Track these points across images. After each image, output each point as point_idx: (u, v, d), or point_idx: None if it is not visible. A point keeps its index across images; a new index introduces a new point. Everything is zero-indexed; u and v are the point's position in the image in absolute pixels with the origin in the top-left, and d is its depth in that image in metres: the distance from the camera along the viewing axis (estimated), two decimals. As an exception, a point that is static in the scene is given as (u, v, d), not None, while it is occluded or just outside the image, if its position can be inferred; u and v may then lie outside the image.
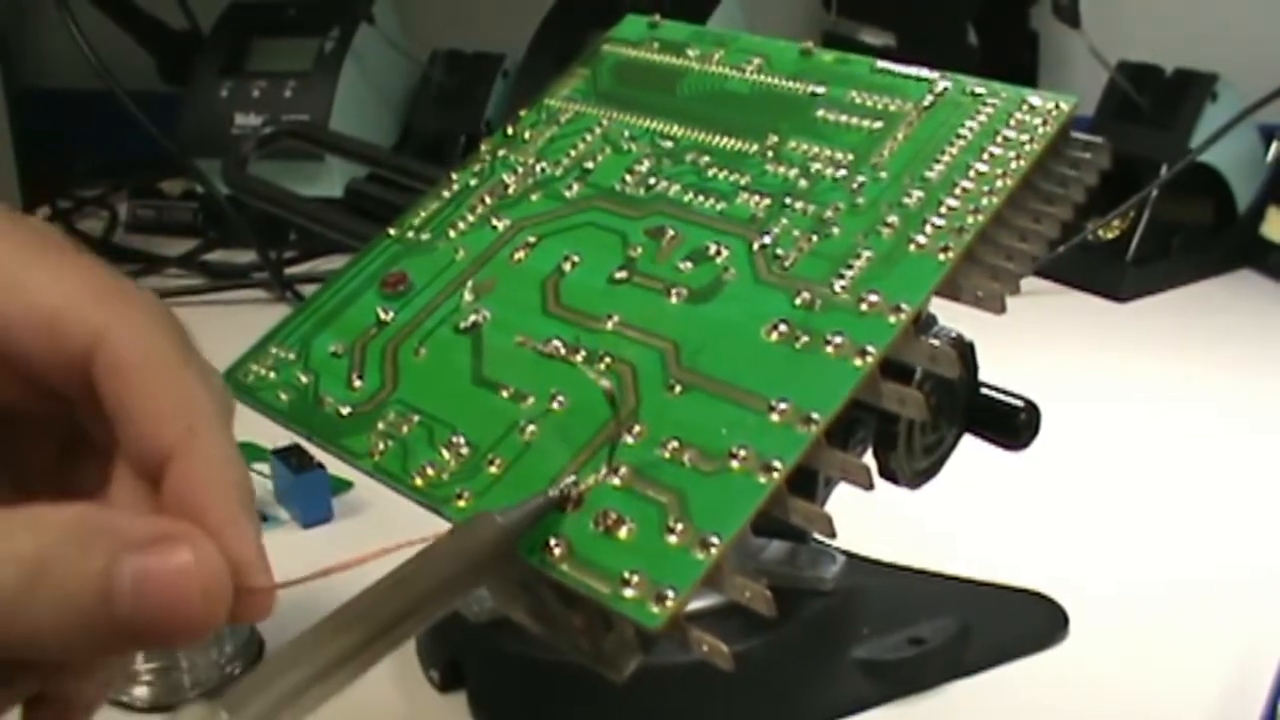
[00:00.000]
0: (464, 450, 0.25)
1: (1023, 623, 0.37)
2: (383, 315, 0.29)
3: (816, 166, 0.29)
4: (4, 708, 0.21)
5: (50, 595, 0.18)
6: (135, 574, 0.18)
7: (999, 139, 0.28)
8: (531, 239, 0.30)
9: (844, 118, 0.30)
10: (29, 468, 0.23)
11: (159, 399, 0.21)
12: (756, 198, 0.29)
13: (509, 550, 0.22)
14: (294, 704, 0.18)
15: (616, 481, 0.23)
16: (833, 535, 0.23)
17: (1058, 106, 0.29)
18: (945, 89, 0.30)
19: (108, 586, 0.18)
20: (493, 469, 0.25)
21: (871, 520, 0.32)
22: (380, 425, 0.27)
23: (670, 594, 0.21)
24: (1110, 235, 0.69)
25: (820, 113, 0.31)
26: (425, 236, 0.31)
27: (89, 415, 0.22)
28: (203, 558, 0.19)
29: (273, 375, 0.29)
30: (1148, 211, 0.68)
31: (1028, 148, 0.28)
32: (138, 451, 0.21)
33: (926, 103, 0.30)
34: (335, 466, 0.41)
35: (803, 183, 0.29)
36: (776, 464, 0.23)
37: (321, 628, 0.19)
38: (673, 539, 0.22)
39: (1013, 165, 0.27)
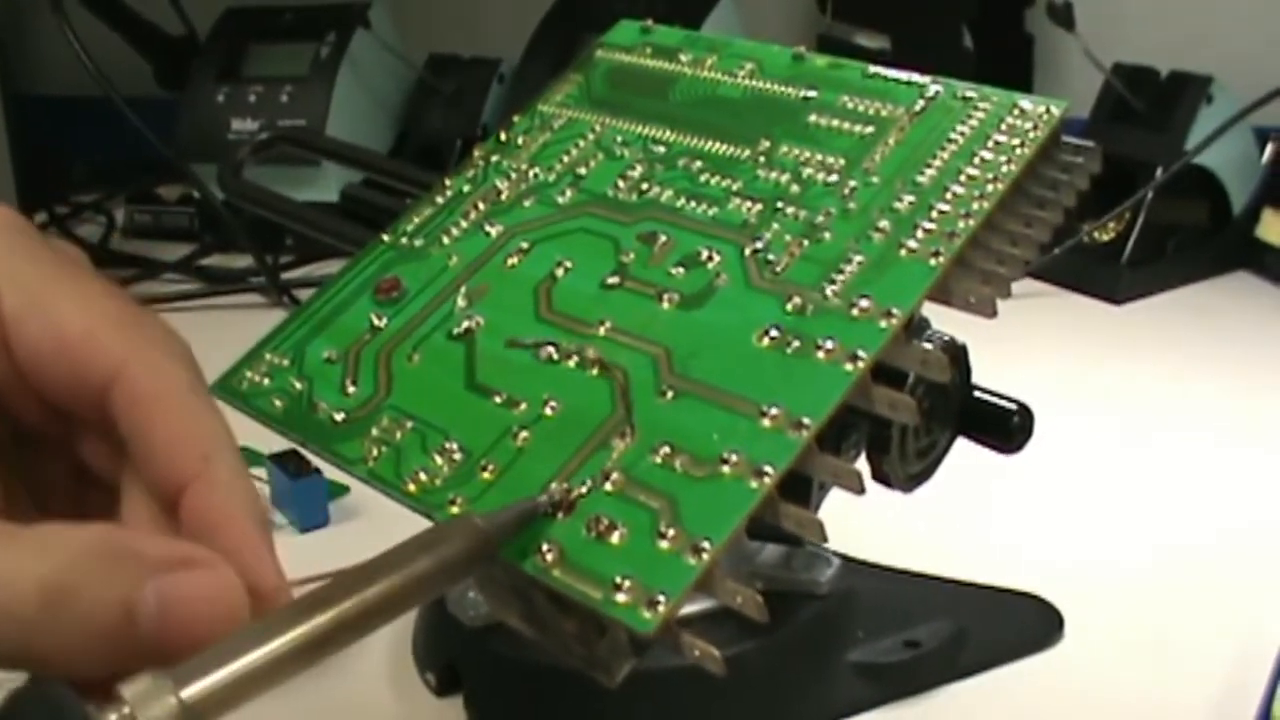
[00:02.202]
0: (457, 456, 0.25)
1: (1018, 625, 0.37)
2: (376, 321, 0.29)
3: (808, 171, 0.29)
4: None
5: (73, 615, 0.18)
6: (159, 595, 0.19)
7: (990, 143, 0.28)
8: (524, 245, 0.30)
9: (836, 123, 0.30)
10: (49, 489, 0.24)
11: (176, 429, 0.21)
12: (748, 203, 0.29)
13: (488, 553, 0.22)
14: (246, 683, 0.18)
15: (608, 487, 0.23)
16: (824, 541, 0.23)
17: (1048, 111, 0.29)
18: (936, 93, 0.30)
19: (132, 608, 0.19)
20: (485, 475, 0.25)
21: (866, 523, 0.33)
22: (373, 431, 0.27)
23: (662, 599, 0.21)
24: (1105, 237, 0.69)
25: (812, 118, 0.31)
26: (419, 242, 0.31)
27: (92, 441, 0.23)
28: (221, 578, 0.19)
29: (267, 382, 0.29)
30: (1143, 214, 0.68)
31: (1018, 152, 0.28)
32: (156, 478, 0.21)
33: (918, 107, 0.30)
34: (332, 471, 0.41)
35: (794, 188, 0.29)
36: (768, 469, 0.23)
37: (283, 611, 0.19)
38: (664, 544, 0.22)
39: (1003, 169, 0.27)
